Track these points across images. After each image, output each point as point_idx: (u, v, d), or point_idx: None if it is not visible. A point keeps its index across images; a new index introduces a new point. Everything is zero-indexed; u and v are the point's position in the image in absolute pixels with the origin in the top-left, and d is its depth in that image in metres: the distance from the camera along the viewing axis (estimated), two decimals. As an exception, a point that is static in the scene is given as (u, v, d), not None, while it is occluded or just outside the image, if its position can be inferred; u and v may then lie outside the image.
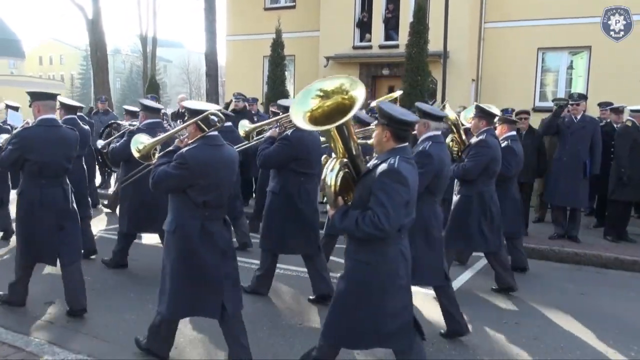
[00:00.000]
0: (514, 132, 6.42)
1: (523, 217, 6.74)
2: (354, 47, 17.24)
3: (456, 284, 6.06)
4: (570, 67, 15.99)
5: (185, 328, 4.67)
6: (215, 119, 3.83)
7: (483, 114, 5.57)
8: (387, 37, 16.99)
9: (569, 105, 7.93)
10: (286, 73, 18.86)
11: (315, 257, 5.29)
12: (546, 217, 9.09)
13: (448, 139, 6.18)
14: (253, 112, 10.35)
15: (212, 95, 16.57)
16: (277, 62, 15.33)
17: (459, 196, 5.56)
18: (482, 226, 5.43)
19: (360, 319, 3.28)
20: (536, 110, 14.51)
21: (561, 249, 7.44)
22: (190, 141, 3.82)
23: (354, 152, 3.34)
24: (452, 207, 5.63)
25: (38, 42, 71.77)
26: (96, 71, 22.10)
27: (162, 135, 4.80)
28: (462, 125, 6.21)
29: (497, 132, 6.25)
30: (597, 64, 14.78)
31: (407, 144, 3.33)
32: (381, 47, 16.80)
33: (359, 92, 3.25)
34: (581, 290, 6.16)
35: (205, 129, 3.79)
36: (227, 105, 10.14)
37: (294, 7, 19.15)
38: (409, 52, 13.41)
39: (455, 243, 5.59)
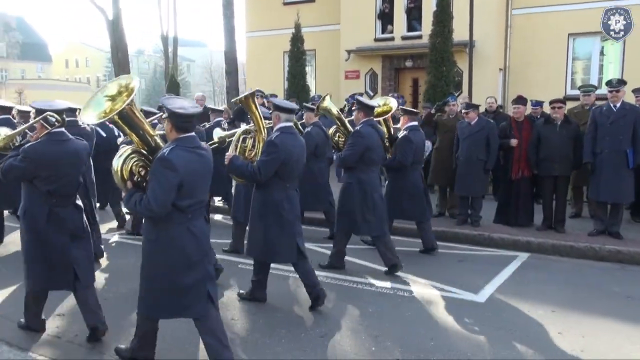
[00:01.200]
0: (415, 123, 6.85)
1: (428, 201, 6.96)
2: (376, 39, 16.74)
3: (486, 291, 5.63)
4: (602, 53, 15.26)
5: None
6: (53, 119, 4.26)
7: (361, 107, 5.97)
8: (410, 27, 16.44)
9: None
10: (307, 68, 18.57)
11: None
12: (583, 211, 8.55)
13: (331, 130, 6.73)
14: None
15: (233, 92, 16.31)
16: (297, 56, 14.99)
17: (343, 183, 6.02)
18: (364, 211, 5.83)
19: (158, 291, 3.70)
20: (567, 99, 13.81)
21: (602, 247, 6.89)
22: (36, 137, 4.28)
23: (149, 140, 3.80)
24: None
25: (64, 46, 72.75)
26: (117, 72, 22.01)
27: (17, 130, 5.30)
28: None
29: (400, 123, 6.90)
30: (631, 49, 14.03)
31: (190, 133, 3.66)
32: (404, 38, 16.27)
33: (135, 83, 3.76)
34: (627, 293, 5.63)
35: (48, 126, 4.23)
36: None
37: (313, 0, 18.72)
38: (432, 42, 12.91)
39: (342, 226, 6.02)
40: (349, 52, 16.89)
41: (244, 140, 5.06)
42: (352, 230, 6.08)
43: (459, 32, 13.51)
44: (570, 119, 7.75)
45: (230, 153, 4.96)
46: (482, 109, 10.19)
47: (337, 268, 6.19)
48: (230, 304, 5.28)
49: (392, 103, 6.80)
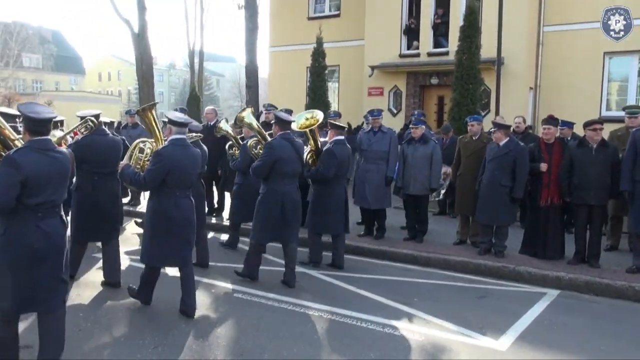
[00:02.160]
0: (342, 137, 6.96)
1: (345, 217, 7.02)
2: (401, 56, 16.15)
3: (509, 336, 4.92)
4: (640, 73, 14.39)
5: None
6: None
7: (277, 121, 6.26)
8: (436, 44, 15.82)
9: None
10: (330, 84, 18.06)
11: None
12: (621, 243, 7.75)
13: (251, 142, 6.83)
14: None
15: (253, 106, 15.87)
16: (318, 72, 14.47)
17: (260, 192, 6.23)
18: (275, 220, 6.01)
19: (12, 285, 3.71)
20: (603, 120, 12.99)
21: (643, 286, 6.11)
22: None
23: (9, 144, 4.11)
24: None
25: (97, 59, 73.98)
26: (141, 85, 21.86)
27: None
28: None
29: (327, 136, 7.08)
30: (672, 69, 13.18)
31: (44, 137, 3.79)
32: (430, 54, 15.64)
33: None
34: (674, 344, 4.87)
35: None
36: (257, 117, 9.35)
37: (338, 15, 18.28)
38: (459, 58, 12.27)
39: (261, 235, 6.15)
40: (372, 67, 16.33)
41: (141, 150, 5.38)
42: (267, 239, 6.26)
43: (487, 49, 12.86)
44: (608, 142, 7.00)
45: (124, 162, 5.29)
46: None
47: (252, 278, 6.26)
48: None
49: (319, 116, 6.90)
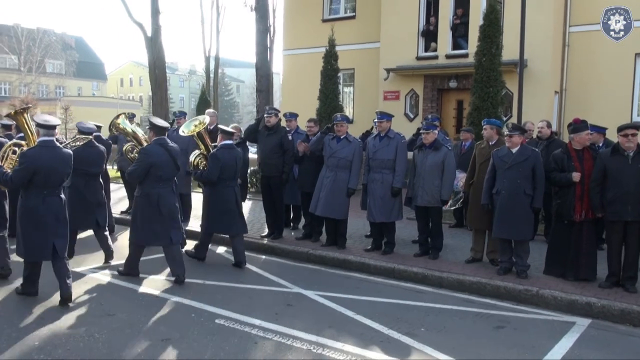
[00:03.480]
0: (230, 142, 7.19)
1: (240, 217, 7.27)
2: (418, 58, 15.40)
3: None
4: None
5: None
6: None
7: (152, 127, 6.38)
8: (455, 45, 15.05)
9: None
10: (343, 88, 17.35)
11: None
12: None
13: (127, 146, 7.49)
14: (289, 128, 8.74)
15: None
16: (330, 74, 13.76)
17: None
18: (152, 222, 6.20)
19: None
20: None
21: (688, 316, 5.24)
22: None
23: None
24: None
25: (119, 65, 74.55)
26: (154, 89, 21.41)
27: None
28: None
29: (217, 140, 7.27)
30: None
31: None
32: (448, 56, 14.87)
33: None
34: None
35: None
36: (258, 121, 8.76)
37: (353, 17, 17.61)
38: (478, 59, 11.47)
39: (132, 238, 6.44)
40: (388, 70, 15.60)
41: (14, 152, 5.78)
42: (147, 242, 6.41)
43: (509, 50, 12.07)
44: (645, 151, 6.13)
45: None
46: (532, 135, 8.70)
47: (132, 275, 6.48)
48: None
49: (206, 120, 7.40)
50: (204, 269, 6.98)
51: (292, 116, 9.07)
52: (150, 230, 6.23)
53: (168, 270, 6.78)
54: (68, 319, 5.02)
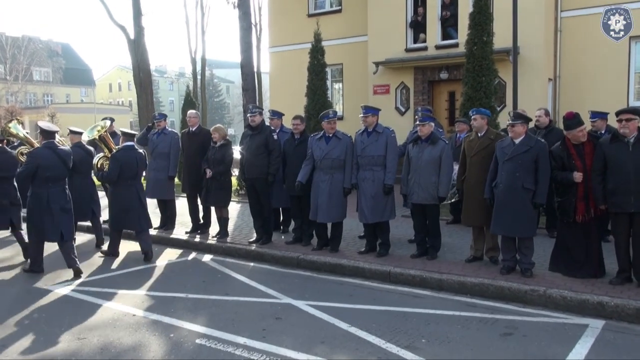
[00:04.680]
0: (131, 143, 7.67)
1: (143, 214, 7.66)
2: (407, 50, 15.01)
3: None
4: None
5: None
6: None
7: (41, 132, 6.87)
8: (445, 35, 14.65)
9: None
10: (332, 83, 16.88)
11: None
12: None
13: (22, 148, 8.42)
14: (274, 127, 8.28)
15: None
16: (317, 70, 13.28)
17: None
18: (44, 220, 6.60)
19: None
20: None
21: None
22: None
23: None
24: None
25: (107, 70, 73.77)
26: (139, 92, 20.82)
27: None
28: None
29: (120, 142, 7.81)
30: None
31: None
32: (438, 47, 14.47)
33: None
34: None
35: None
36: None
37: (339, 11, 17.16)
38: (469, 48, 11.01)
39: (30, 235, 6.82)
40: (377, 64, 15.17)
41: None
42: (39, 237, 6.70)
43: (501, 38, 11.65)
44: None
45: None
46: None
47: (35, 272, 6.82)
48: None
49: (107, 124, 8.26)
50: (187, 280, 6.51)
51: (275, 114, 8.61)
52: (42, 228, 6.61)
53: (148, 284, 6.37)
54: (35, 343, 4.54)
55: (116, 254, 7.74)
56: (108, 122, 8.23)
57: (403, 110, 15.23)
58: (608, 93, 12.88)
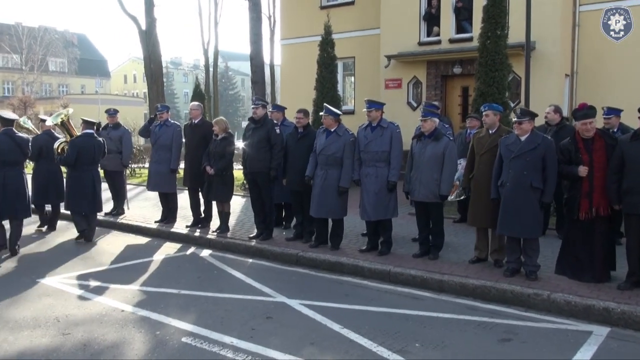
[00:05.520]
0: (91, 131, 8.25)
1: (96, 198, 8.26)
2: (420, 43, 14.79)
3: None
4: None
5: None
6: None
7: (0, 119, 7.35)
8: (459, 29, 14.41)
9: None
10: (340, 76, 16.67)
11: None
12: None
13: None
14: (276, 120, 8.16)
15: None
16: (327, 63, 13.13)
17: None
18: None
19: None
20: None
21: None
22: None
23: None
24: None
25: (122, 62, 74.23)
26: (150, 84, 20.88)
27: None
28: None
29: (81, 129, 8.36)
30: None
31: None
32: (452, 41, 14.23)
33: None
34: None
35: None
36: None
37: (352, 3, 16.94)
38: (482, 42, 10.75)
39: None
40: (389, 57, 14.96)
41: None
42: None
43: (516, 32, 11.37)
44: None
45: None
46: (541, 121, 7.99)
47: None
48: None
49: (69, 111, 8.70)
50: (182, 276, 6.44)
51: (275, 108, 8.49)
52: None
53: (141, 279, 6.32)
54: (19, 338, 4.48)
55: (81, 231, 8.21)
56: (71, 110, 8.77)
57: (415, 105, 15.01)
58: (628, 90, 12.52)
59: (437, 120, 6.70)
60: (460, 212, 8.90)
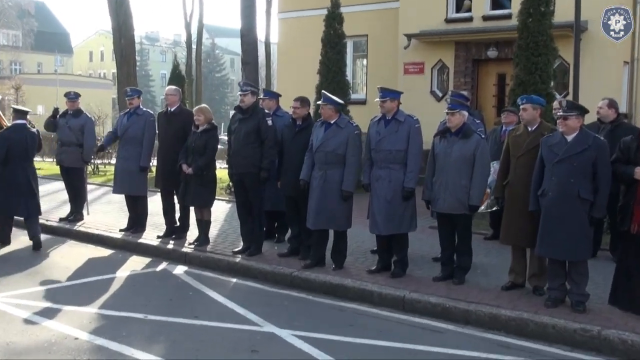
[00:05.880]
0: (23, 121, 8.39)
1: (35, 198, 8.57)
2: (448, 20, 15.02)
3: None
4: None
5: None
6: None
7: None
8: (495, 4, 14.57)
9: None
10: (348, 57, 16.69)
11: None
12: None
13: None
14: (268, 109, 8.12)
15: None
16: (334, 42, 13.18)
17: None
18: None
19: None
20: None
21: None
22: None
23: None
24: None
25: (87, 36, 74.85)
26: (120, 63, 20.89)
27: None
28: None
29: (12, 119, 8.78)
30: None
31: None
32: (486, 18, 14.44)
33: None
34: None
35: None
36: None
37: (365, -30, 17.01)
38: (522, 20, 10.79)
39: None
40: (409, 37, 15.07)
41: None
42: None
43: (564, 9, 11.43)
44: None
45: None
46: (593, 117, 7.93)
47: None
48: None
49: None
50: (150, 298, 6.42)
51: (267, 94, 8.51)
52: None
53: (101, 300, 6.36)
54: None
55: (6, 242, 8.50)
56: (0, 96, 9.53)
57: (440, 95, 15.11)
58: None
59: (466, 113, 6.69)
60: (492, 227, 8.88)
